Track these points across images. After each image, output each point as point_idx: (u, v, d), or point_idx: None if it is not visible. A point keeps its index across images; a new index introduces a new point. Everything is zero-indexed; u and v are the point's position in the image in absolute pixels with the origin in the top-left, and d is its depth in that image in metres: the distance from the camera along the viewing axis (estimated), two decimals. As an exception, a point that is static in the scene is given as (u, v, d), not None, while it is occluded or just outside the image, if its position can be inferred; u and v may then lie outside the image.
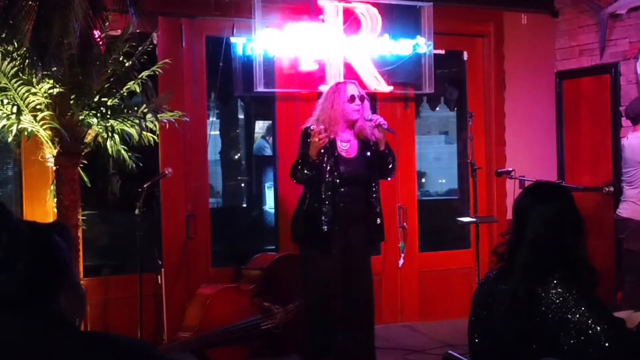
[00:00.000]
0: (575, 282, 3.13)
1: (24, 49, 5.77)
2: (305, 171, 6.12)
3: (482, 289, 3.43)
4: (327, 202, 6.11)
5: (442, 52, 8.52)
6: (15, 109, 6.02)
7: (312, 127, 6.18)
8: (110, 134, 6.20)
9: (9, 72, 5.93)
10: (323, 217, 6.10)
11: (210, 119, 8.17)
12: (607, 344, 2.99)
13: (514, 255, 3.25)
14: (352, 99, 6.22)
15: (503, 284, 3.26)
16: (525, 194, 3.40)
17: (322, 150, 6.11)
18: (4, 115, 6.03)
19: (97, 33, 5.98)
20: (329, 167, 6.14)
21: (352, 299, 6.23)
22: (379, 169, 6.31)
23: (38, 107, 6.06)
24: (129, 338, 1.93)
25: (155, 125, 6.38)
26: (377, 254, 6.45)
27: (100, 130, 6.19)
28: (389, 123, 8.20)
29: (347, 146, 6.28)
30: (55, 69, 5.77)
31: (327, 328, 6.19)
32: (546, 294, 3.08)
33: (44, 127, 6.08)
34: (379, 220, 6.27)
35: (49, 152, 6.21)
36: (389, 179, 6.52)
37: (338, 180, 6.14)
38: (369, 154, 6.29)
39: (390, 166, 6.31)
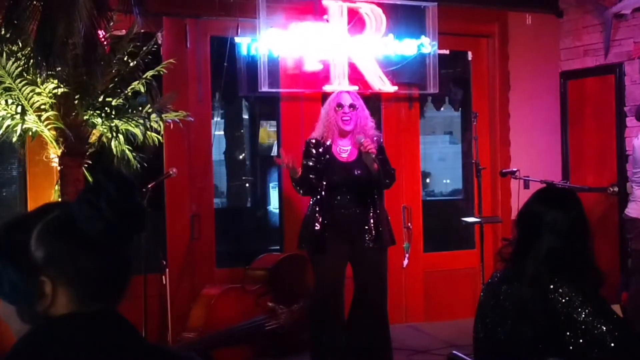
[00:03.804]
0: (582, 282, 3.12)
1: (29, 49, 5.77)
2: (298, 188, 6.30)
3: (487, 289, 3.42)
4: (322, 206, 6.16)
5: (447, 52, 8.50)
6: (19, 109, 6.02)
7: (313, 140, 6.35)
8: (114, 134, 6.20)
9: (14, 72, 5.93)
10: (317, 219, 6.16)
11: (215, 119, 8.17)
12: (612, 344, 2.98)
13: (522, 259, 3.23)
14: (338, 106, 6.29)
15: (508, 286, 3.25)
16: (538, 201, 3.34)
17: (317, 157, 6.25)
18: (9, 115, 6.03)
19: (101, 33, 5.97)
20: (323, 171, 6.20)
21: (362, 303, 6.24)
22: (375, 184, 6.31)
23: (42, 107, 6.06)
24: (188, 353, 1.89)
25: (159, 125, 6.37)
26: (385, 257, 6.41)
27: (105, 130, 6.19)
28: (393, 123, 8.26)
29: (346, 152, 6.31)
30: (59, 69, 5.77)
31: (332, 329, 6.19)
32: (552, 293, 3.08)
33: (49, 127, 6.08)
34: (380, 227, 6.24)
35: (54, 152, 6.20)
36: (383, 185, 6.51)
37: (333, 184, 6.19)
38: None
39: (386, 181, 6.32)
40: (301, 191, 6.33)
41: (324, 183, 6.21)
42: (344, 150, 6.32)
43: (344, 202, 6.21)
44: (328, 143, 6.30)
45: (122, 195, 1.75)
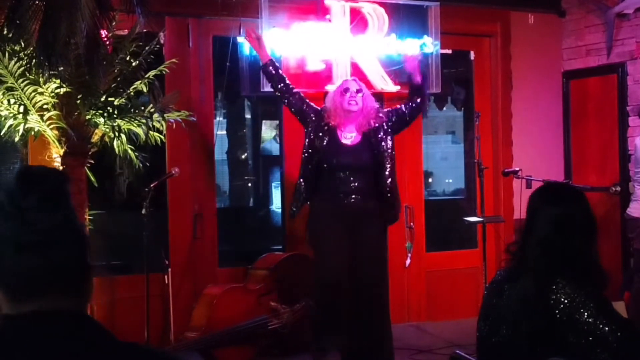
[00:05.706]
0: (584, 283, 3.12)
1: (31, 48, 5.77)
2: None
3: (491, 288, 3.43)
4: (323, 191, 6.20)
5: (449, 51, 8.50)
6: (22, 109, 6.02)
7: (320, 108, 6.47)
8: (117, 134, 6.20)
9: (16, 71, 5.93)
10: (319, 206, 6.27)
11: (217, 118, 8.17)
12: (615, 345, 2.98)
13: (523, 255, 3.25)
14: (345, 90, 6.38)
15: (511, 284, 3.25)
16: (536, 195, 3.38)
17: (322, 138, 6.31)
18: (11, 115, 6.03)
19: (104, 33, 5.98)
20: (328, 154, 6.25)
21: (362, 296, 6.24)
22: (420, 99, 6.56)
23: (45, 106, 6.06)
24: (163, 351, 1.89)
25: (162, 125, 6.38)
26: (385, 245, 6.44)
27: (107, 129, 6.19)
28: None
29: (350, 139, 6.34)
30: (62, 68, 5.77)
31: (334, 325, 6.19)
32: (555, 294, 3.08)
33: (51, 126, 6.08)
34: (389, 196, 6.29)
35: (56, 152, 6.21)
36: (426, 106, 6.75)
37: (336, 166, 6.24)
38: (373, 141, 6.33)
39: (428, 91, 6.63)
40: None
41: (325, 166, 6.23)
42: (348, 136, 6.34)
43: (345, 187, 6.22)
44: (332, 124, 6.34)
45: (21, 190, 1.76)
